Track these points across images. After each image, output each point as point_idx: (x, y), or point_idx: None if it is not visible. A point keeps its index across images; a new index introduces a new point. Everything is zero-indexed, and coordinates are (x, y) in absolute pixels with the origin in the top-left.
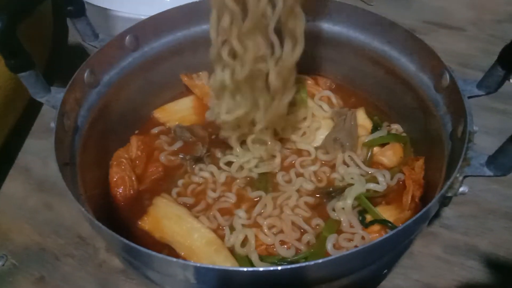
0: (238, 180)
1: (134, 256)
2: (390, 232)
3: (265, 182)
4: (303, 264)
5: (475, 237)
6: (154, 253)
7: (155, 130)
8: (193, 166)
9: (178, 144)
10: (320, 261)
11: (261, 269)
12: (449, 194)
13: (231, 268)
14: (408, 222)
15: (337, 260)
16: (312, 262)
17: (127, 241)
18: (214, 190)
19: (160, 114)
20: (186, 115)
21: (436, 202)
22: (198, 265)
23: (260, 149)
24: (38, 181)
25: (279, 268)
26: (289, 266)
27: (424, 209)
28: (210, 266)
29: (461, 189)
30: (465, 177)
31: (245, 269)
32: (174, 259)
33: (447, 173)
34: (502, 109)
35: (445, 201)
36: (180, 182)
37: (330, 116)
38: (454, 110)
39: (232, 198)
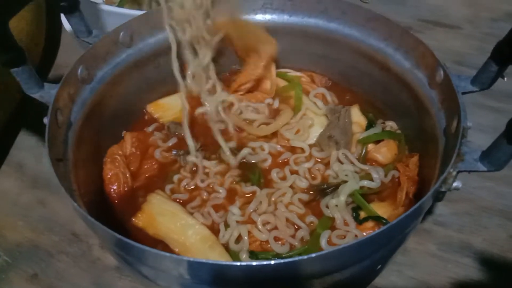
0: (230, 171)
1: (127, 251)
2: (383, 227)
3: (258, 174)
4: (296, 258)
5: (469, 235)
6: (146, 247)
7: (149, 128)
8: (187, 161)
9: (172, 141)
10: (313, 255)
11: (254, 263)
12: (443, 189)
13: (224, 263)
14: (401, 216)
15: (331, 254)
16: (305, 256)
17: (119, 236)
18: (203, 181)
19: (153, 108)
20: (179, 111)
21: (430, 197)
22: (191, 259)
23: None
24: (32, 178)
25: (272, 262)
26: (282, 260)
27: (418, 204)
28: (203, 260)
29: (454, 184)
30: (458, 172)
31: (238, 263)
32: (167, 254)
33: (441, 169)
34: (496, 107)
35: (439, 196)
36: (175, 177)
37: (324, 113)
38: (448, 106)
39: (223, 192)
